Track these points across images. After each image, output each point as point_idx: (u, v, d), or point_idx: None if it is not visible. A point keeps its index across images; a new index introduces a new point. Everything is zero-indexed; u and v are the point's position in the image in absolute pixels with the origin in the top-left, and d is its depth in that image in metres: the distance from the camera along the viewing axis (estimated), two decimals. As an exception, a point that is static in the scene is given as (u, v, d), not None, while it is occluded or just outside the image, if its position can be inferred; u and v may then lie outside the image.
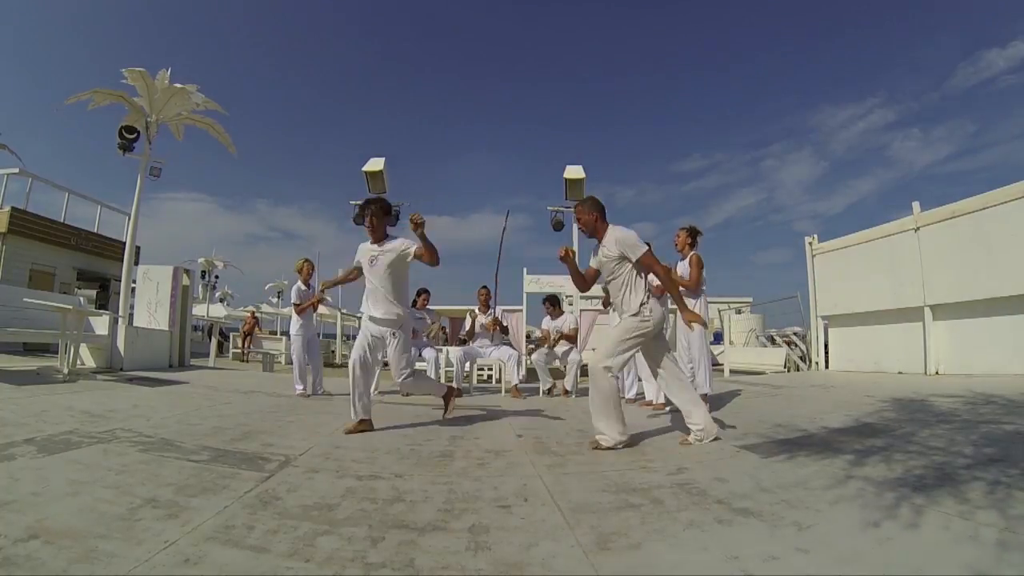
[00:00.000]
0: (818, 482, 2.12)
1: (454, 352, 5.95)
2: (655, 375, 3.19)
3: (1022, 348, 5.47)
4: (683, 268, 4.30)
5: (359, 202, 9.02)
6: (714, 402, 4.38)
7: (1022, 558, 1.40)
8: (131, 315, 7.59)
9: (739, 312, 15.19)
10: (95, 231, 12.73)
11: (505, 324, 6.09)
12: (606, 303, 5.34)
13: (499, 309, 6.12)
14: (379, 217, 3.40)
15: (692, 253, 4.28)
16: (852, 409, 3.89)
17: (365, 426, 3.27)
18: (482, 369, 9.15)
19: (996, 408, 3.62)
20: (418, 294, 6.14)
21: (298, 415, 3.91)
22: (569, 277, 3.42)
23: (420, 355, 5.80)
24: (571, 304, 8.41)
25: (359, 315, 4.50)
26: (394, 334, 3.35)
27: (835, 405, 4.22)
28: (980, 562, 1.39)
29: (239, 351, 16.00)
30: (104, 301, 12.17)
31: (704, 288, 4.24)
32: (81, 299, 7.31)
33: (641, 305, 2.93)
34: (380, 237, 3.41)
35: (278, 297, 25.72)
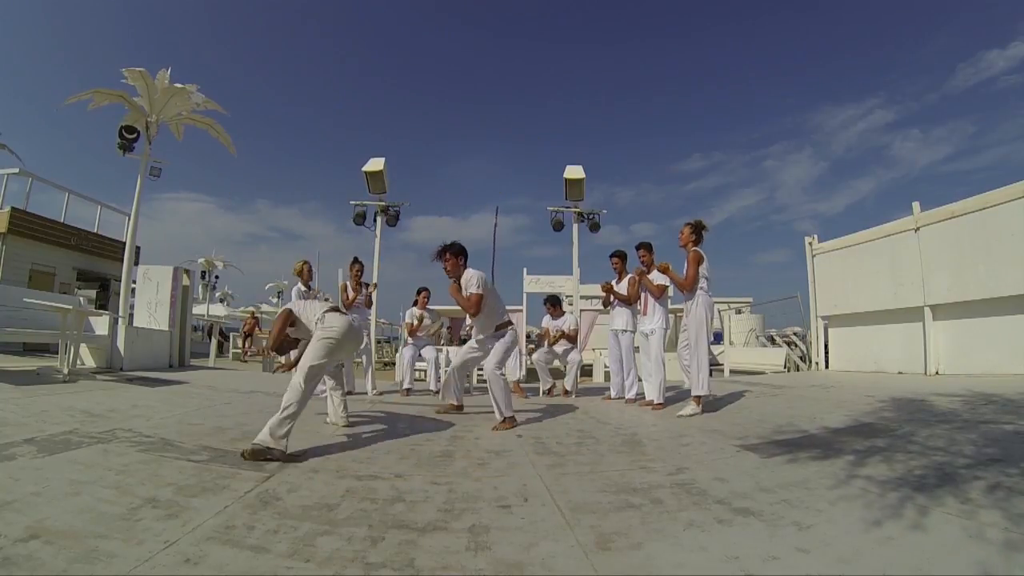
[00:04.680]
0: (818, 482, 2.12)
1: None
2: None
3: (1022, 348, 5.47)
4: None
5: (359, 203, 9.03)
6: (714, 402, 4.38)
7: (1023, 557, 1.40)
8: (131, 315, 7.58)
9: (739, 312, 15.19)
10: (95, 231, 12.71)
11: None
12: (606, 303, 5.34)
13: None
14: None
15: (691, 249, 4.09)
16: (852, 409, 3.88)
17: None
18: (482, 369, 9.14)
19: (996, 408, 3.61)
20: (418, 293, 6.14)
21: (298, 415, 3.91)
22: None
23: (420, 355, 5.80)
24: (571, 304, 8.42)
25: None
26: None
27: (835, 405, 4.22)
28: (982, 561, 1.39)
29: (239, 351, 16.00)
30: (104, 301, 12.15)
31: (705, 287, 4.06)
32: (81, 299, 7.31)
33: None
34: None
35: (278, 297, 25.75)
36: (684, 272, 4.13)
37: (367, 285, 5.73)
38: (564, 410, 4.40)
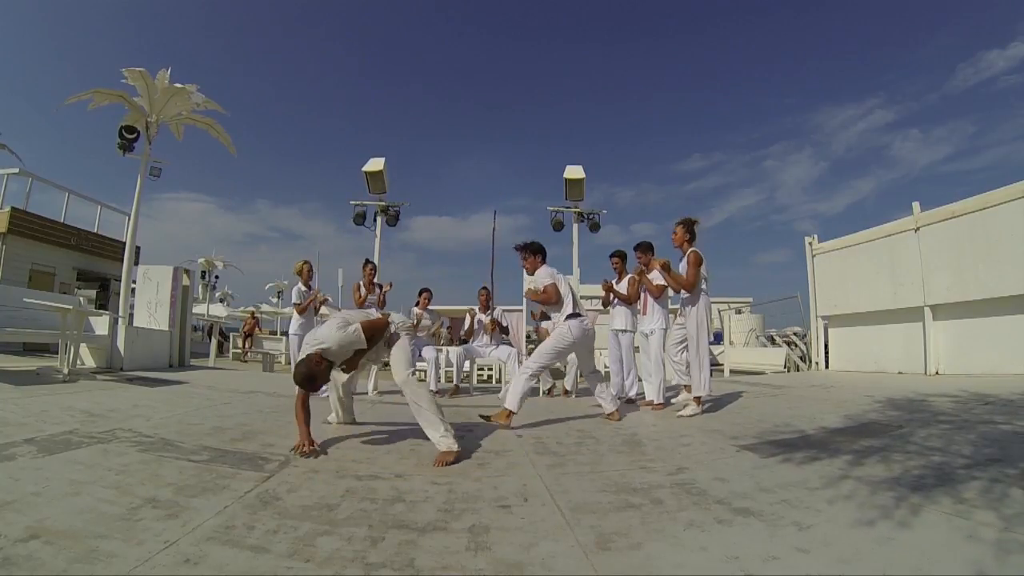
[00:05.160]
0: (818, 482, 2.12)
1: (454, 352, 5.95)
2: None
3: (1022, 348, 5.47)
4: (682, 267, 4.11)
5: (359, 203, 9.04)
6: (715, 403, 4.39)
7: (1021, 558, 1.40)
8: (131, 315, 7.58)
9: (739, 312, 15.19)
10: (95, 231, 12.71)
11: (505, 324, 6.10)
12: (606, 303, 5.35)
13: (499, 309, 6.13)
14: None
15: (690, 250, 4.05)
16: (852, 409, 3.89)
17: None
18: (482, 369, 9.16)
19: (994, 408, 3.62)
20: (419, 294, 6.15)
21: (298, 415, 3.91)
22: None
23: (420, 354, 5.80)
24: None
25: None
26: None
27: (835, 405, 4.22)
28: (979, 561, 1.39)
29: (239, 351, 16.00)
30: (104, 301, 12.14)
31: (704, 288, 4.04)
32: (81, 299, 7.31)
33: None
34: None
35: (278, 297, 25.71)
36: (684, 273, 4.09)
37: (380, 286, 5.79)
38: (564, 410, 4.40)
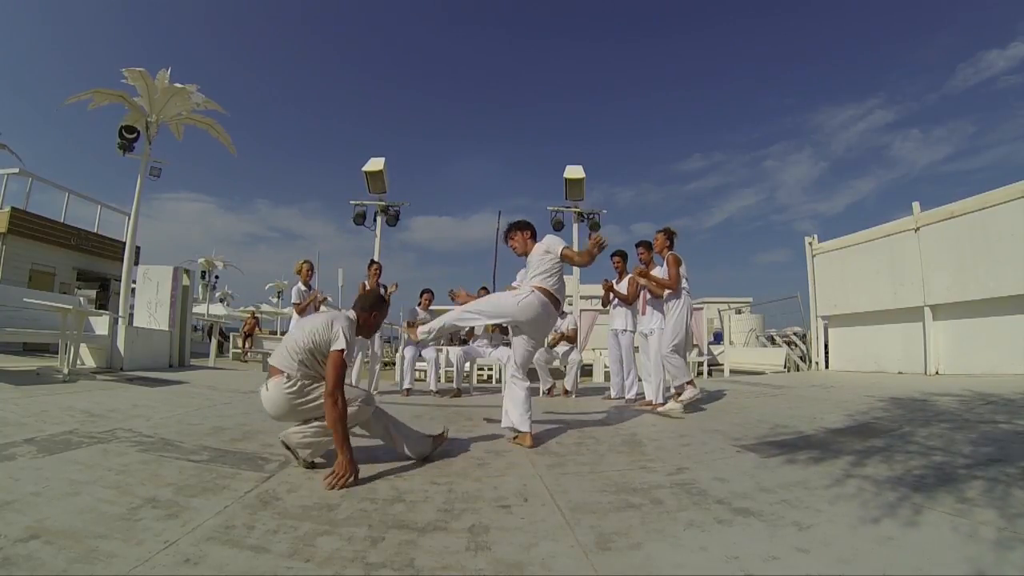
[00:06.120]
0: (818, 482, 2.12)
1: (454, 352, 5.95)
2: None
3: (1022, 348, 5.47)
4: (661, 271, 4.32)
5: (359, 203, 9.04)
6: (714, 401, 4.40)
7: (1022, 556, 1.40)
8: (131, 315, 7.58)
9: (739, 312, 15.17)
10: (95, 231, 12.70)
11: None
12: (606, 302, 5.35)
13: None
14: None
15: (669, 253, 4.27)
16: (852, 409, 3.88)
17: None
18: (482, 369, 9.15)
19: (995, 408, 3.62)
20: (421, 295, 6.16)
21: (298, 415, 3.91)
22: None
23: (420, 355, 5.80)
24: (571, 304, 8.42)
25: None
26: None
27: (835, 405, 4.22)
28: (979, 561, 1.39)
29: (239, 351, 15.99)
30: (104, 301, 12.14)
31: (686, 287, 4.20)
32: (81, 299, 7.31)
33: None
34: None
35: (278, 297, 25.71)
36: (666, 274, 4.25)
37: (385, 287, 5.80)
38: (564, 410, 4.40)
